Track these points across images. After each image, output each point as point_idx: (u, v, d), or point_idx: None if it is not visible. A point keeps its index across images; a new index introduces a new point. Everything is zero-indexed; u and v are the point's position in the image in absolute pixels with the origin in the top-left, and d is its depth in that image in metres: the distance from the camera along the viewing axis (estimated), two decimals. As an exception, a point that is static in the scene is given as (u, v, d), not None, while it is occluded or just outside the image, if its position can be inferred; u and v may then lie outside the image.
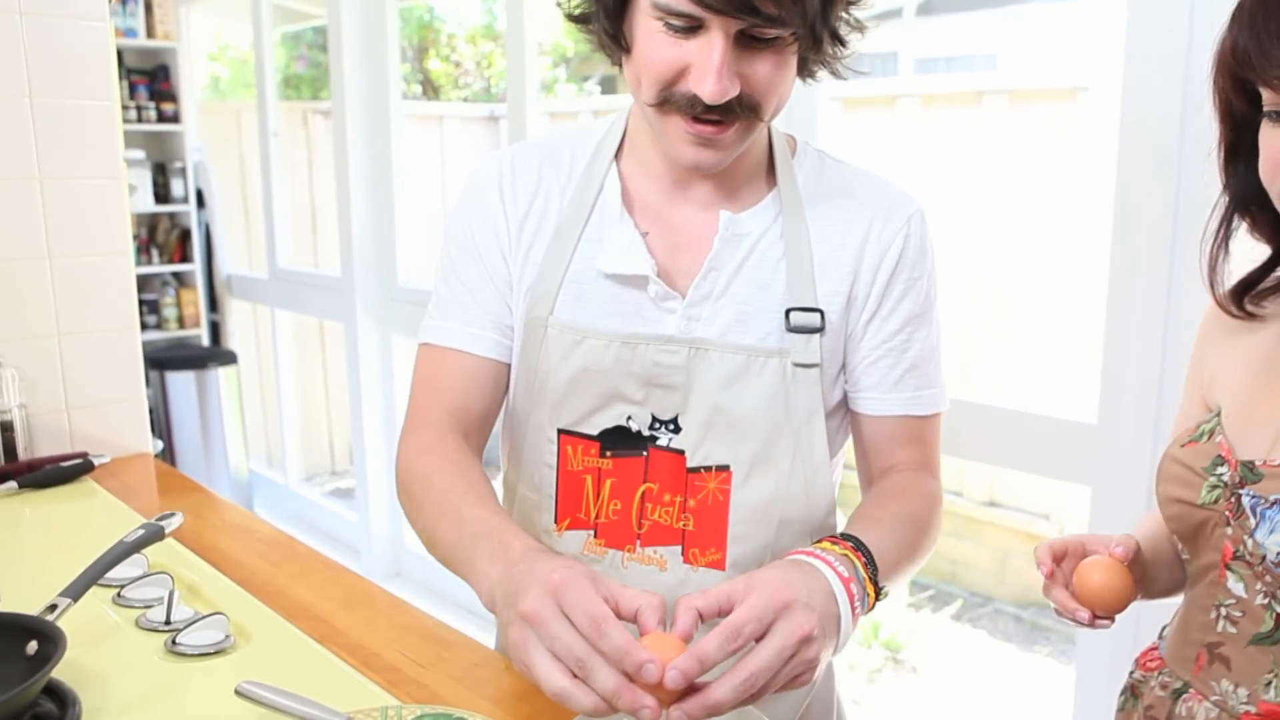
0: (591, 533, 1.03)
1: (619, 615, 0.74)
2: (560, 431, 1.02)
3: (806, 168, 1.04)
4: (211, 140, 4.19)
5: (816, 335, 0.98)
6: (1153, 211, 1.54)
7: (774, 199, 1.01)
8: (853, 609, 0.82)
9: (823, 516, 1.02)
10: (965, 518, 3.78)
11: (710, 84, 0.85)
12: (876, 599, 0.88)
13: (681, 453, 1.00)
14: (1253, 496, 0.83)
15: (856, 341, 1.01)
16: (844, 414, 1.07)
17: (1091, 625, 0.91)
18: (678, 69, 0.88)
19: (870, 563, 0.87)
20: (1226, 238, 0.91)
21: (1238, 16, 0.80)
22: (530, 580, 0.76)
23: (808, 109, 2.06)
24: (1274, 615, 0.83)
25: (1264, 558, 0.81)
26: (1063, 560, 0.94)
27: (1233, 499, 0.85)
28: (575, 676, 0.72)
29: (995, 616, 3.67)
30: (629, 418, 1.00)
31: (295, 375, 4.00)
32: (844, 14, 0.92)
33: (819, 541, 0.88)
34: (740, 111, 0.89)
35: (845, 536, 0.89)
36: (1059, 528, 3.65)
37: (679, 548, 1.01)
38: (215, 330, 4.09)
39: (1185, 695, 0.91)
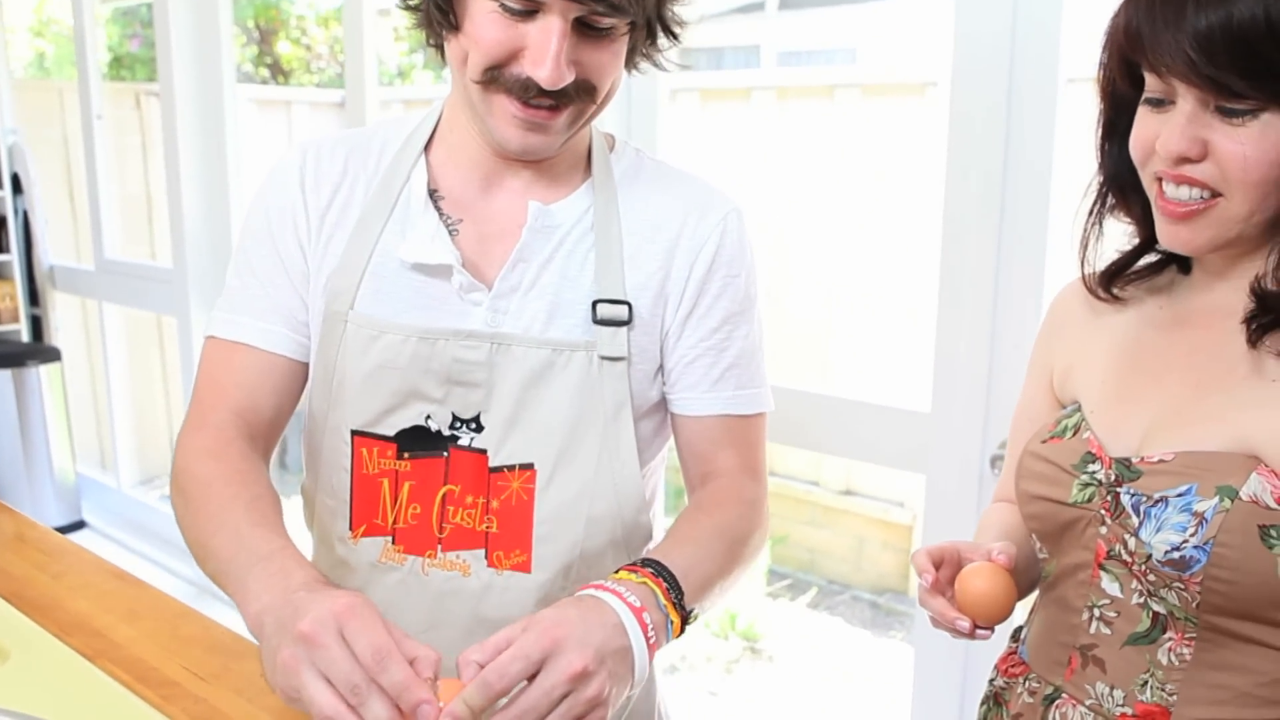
0: (389, 539, 0.98)
1: None
2: (354, 433, 0.97)
3: (624, 163, 1.02)
4: (33, 122, 3.91)
5: (624, 328, 0.95)
6: (980, 205, 1.57)
7: (587, 189, 0.99)
8: (648, 640, 0.79)
9: (634, 514, 0.99)
10: (822, 507, 3.84)
11: (548, 69, 0.83)
12: (684, 624, 0.85)
13: (484, 452, 0.95)
14: (1133, 494, 0.82)
15: (674, 341, 0.99)
16: (661, 416, 1.04)
17: (971, 636, 0.87)
18: (511, 50, 0.85)
19: (674, 587, 0.84)
20: (1101, 218, 0.91)
21: None
22: (311, 604, 0.71)
23: (648, 102, 2.03)
24: (1150, 614, 0.82)
25: (1149, 556, 0.80)
26: (939, 568, 0.90)
27: (1109, 497, 0.84)
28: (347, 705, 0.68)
29: (852, 603, 3.75)
30: (428, 417, 0.96)
31: (128, 373, 3.77)
32: (672, 9, 0.92)
33: (617, 571, 0.85)
34: (575, 95, 0.88)
35: (646, 563, 0.86)
36: (913, 515, 3.75)
37: (483, 551, 0.97)
38: (37, 325, 3.82)
39: (1058, 701, 0.88)
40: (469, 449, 0.95)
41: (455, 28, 0.88)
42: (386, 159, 1.00)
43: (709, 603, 0.90)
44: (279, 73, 5.28)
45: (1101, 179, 0.91)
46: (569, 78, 0.85)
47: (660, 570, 0.84)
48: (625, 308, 0.95)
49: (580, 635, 0.74)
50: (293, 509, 1.10)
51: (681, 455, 1.04)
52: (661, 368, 1.01)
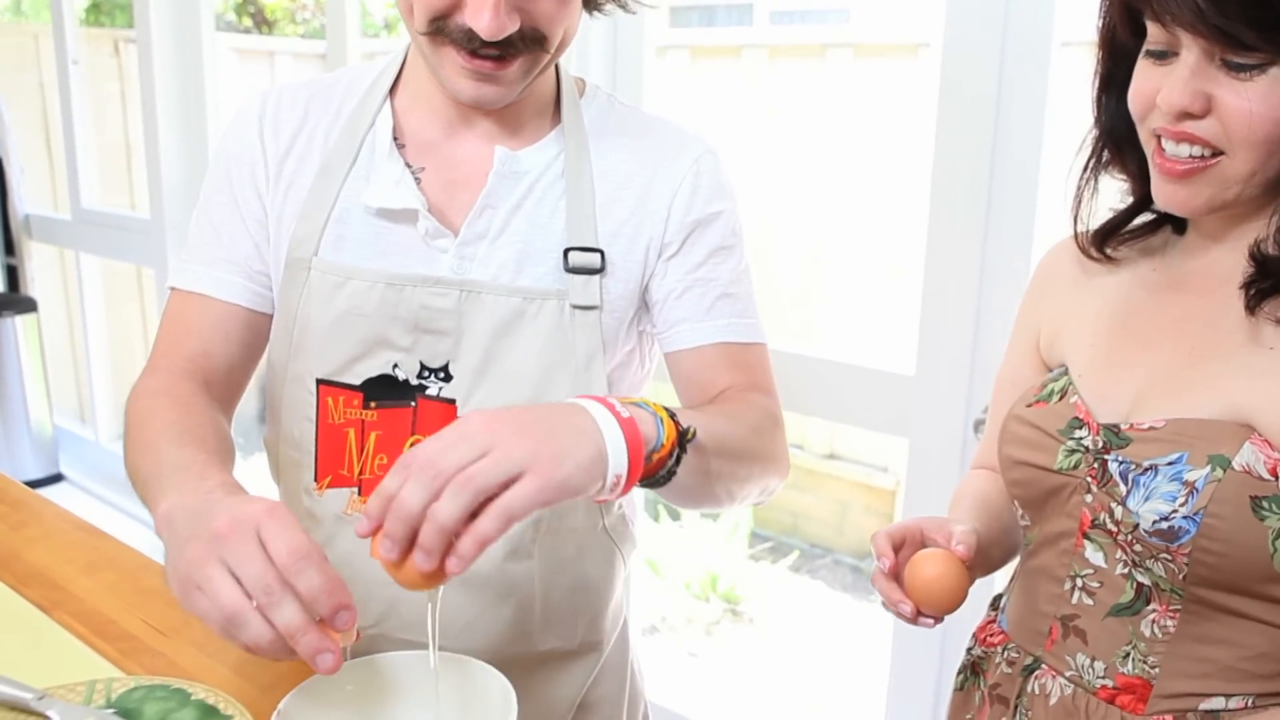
0: (355, 490, 0.96)
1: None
2: (319, 382, 0.94)
3: (595, 108, 0.99)
4: (7, 66, 3.83)
5: (596, 276, 0.93)
6: (969, 168, 1.54)
7: (557, 136, 0.96)
8: (616, 414, 0.74)
9: None
10: (805, 470, 3.84)
11: (486, 19, 0.81)
12: (680, 437, 0.79)
13: (453, 402, 0.93)
14: (1121, 462, 0.79)
15: (660, 280, 0.97)
16: (636, 364, 1.02)
17: (914, 622, 0.84)
18: (452, 1, 0.83)
19: (668, 411, 0.79)
20: (1096, 174, 0.87)
21: None
22: (229, 504, 0.70)
23: (634, 58, 1.99)
24: (1134, 585, 0.80)
25: (1136, 526, 0.77)
26: (900, 550, 0.87)
27: (1096, 464, 0.81)
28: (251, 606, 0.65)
29: (834, 567, 3.76)
30: (395, 365, 0.94)
31: (106, 324, 3.72)
32: None
33: None
34: (523, 45, 0.85)
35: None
36: (896, 479, 3.75)
37: None
38: (12, 275, 3.76)
39: (1037, 671, 0.86)
40: (437, 398, 0.93)
41: None
42: (350, 105, 0.98)
43: (723, 463, 0.84)
44: (263, 22, 5.18)
45: (1097, 134, 0.87)
46: (510, 27, 0.83)
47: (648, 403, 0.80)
48: (598, 255, 0.93)
49: (489, 414, 0.71)
50: (260, 464, 1.08)
51: (681, 394, 1.01)
52: (637, 315, 0.98)
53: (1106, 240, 0.89)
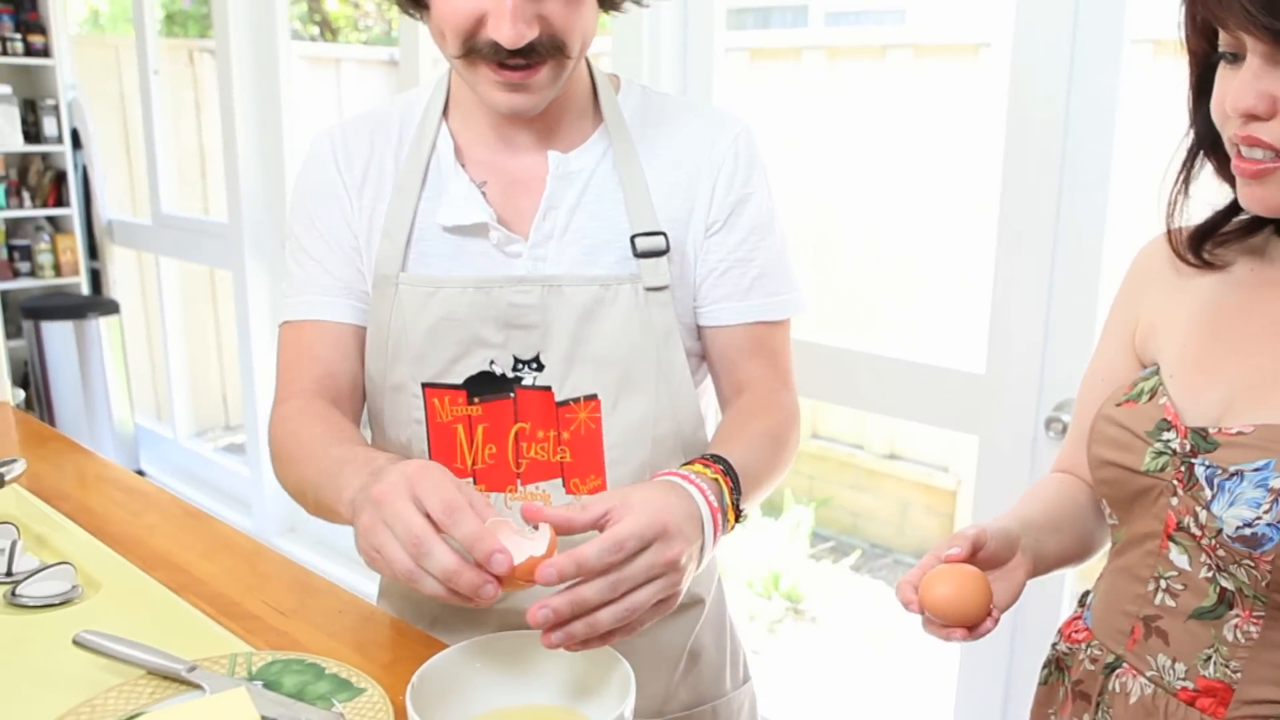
0: (471, 480, 1.03)
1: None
2: (425, 385, 1.01)
3: (632, 102, 1.05)
4: (89, 77, 3.96)
5: (663, 258, 1.00)
6: (1039, 166, 1.55)
7: (601, 134, 1.03)
8: (715, 537, 0.84)
9: (692, 430, 1.03)
10: (866, 470, 3.84)
11: (507, 29, 0.87)
12: (736, 522, 0.89)
13: (548, 389, 1.00)
14: (1208, 466, 0.78)
15: (705, 256, 1.03)
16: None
17: (948, 638, 0.83)
18: (475, 18, 0.89)
19: (736, 487, 0.88)
20: (1188, 180, 0.86)
21: None
22: (389, 471, 0.77)
23: (704, 60, 2.02)
24: (1218, 589, 0.79)
25: (1219, 531, 0.76)
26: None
27: (1183, 468, 0.80)
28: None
29: (894, 567, 3.75)
30: (491, 361, 1.00)
31: (183, 326, 3.84)
32: None
33: (690, 463, 0.88)
34: (545, 52, 0.91)
35: (715, 459, 0.89)
36: (957, 480, 3.74)
37: (560, 480, 1.01)
38: (96, 278, 3.89)
39: (1119, 670, 0.86)
40: (534, 387, 1.00)
41: (426, 7, 0.93)
42: (410, 131, 1.05)
43: (752, 504, 0.94)
44: (327, 30, 5.29)
45: (1194, 140, 0.85)
46: (529, 35, 0.88)
47: (729, 469, 0.88)
48: (662, 238, 0.99)
49: (680, 524, 0.78)
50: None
51: (713, 369, 1.07)
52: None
53: (1203, 243, 0.87)
